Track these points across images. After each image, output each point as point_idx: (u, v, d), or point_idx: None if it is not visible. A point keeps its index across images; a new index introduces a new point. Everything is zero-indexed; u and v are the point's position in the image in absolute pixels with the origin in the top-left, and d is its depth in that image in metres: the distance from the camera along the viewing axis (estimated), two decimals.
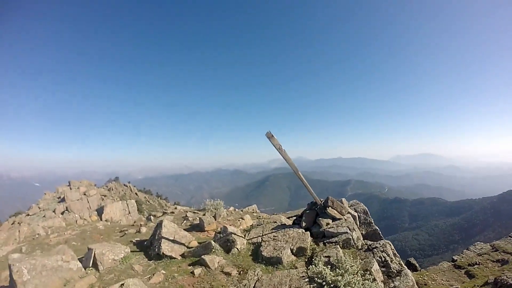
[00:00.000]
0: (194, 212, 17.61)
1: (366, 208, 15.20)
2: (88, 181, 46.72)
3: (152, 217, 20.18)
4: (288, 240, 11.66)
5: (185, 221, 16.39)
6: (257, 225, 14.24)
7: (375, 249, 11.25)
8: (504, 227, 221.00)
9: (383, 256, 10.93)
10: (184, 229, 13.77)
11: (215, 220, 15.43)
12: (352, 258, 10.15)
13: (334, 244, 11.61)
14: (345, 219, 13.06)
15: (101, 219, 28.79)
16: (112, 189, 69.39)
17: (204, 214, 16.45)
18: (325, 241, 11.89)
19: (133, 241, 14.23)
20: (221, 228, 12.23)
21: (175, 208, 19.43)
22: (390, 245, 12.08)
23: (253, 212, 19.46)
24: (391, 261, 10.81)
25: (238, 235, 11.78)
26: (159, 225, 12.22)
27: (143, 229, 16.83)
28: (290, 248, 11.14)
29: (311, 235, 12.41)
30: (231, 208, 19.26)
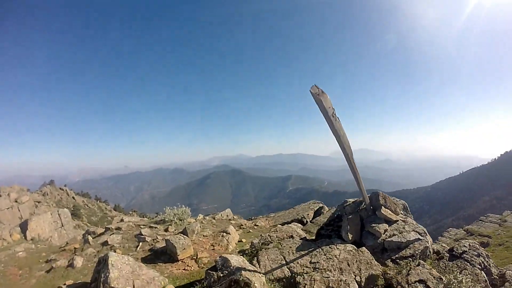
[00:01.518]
0: (150, 227, 11.46)
1: (405, 203, 11.07)
2: (19, 186, 38.91)
3: (90, 237, 12.65)
4: (342, 266, 6.99)
5: (141, 243, 10.09)
6: (262, 243, 8.66)
7: (465, 255, 8.19)
8: (439, 214, 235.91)
9: (482, 262, 7.98)
10: (144, 262, 8.52)
11: (188, 237, 9.87)
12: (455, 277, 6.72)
13: (410, 259, 7.54)
14: (403, 220, 8.84)
15: (25, 237, 21.86)
16: (47, 194, 61.19)
17: (167, 229, 11.11)
18: (392, 257, 7.65)
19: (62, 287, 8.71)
20: (216, 261, 6.76)
21: (121, 220, 13.20)
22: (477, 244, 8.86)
23: (230, 219, 14.74)
24: (490, 265, 8.10)
25: (250, 271, 6.38)
26: (103, 264, 6.79)
27: (78, 261, 10.04)
28: (355, 281, 6.62)
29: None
30: (200, 216, 14.11)
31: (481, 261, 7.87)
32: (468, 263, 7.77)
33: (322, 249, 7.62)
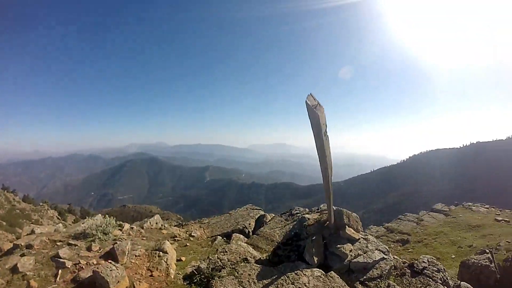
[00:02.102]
0: (69, 244, 9.17)
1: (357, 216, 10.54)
2: None
3: None
4: None
5: (60, 270, 6.92)
6: (213, 269, 7.38)
7: (426, 271, 7.98)
8: (350, 207, 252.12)
9: (442, 277, 7.83)
10: None
11: (119, 262, 7.89)
12: None
13: (378, 280, 7.00)
14: (364, 238, 8.21)
15: None
16: None
17: (90, 247, 9.07)
18: (360, 279, 7.00)
19: None
20: None
21: (32, 232, 10.69)
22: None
23: (161, 228, 13.12)
24: (447, 279, 8.05)
25: None
26: None
27: None
28: None
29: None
30: (127, 226, 12.14)
31: (441, 276, 7.71)
32: (430, 279, 7.58)
33: (287, 277, 6.67)
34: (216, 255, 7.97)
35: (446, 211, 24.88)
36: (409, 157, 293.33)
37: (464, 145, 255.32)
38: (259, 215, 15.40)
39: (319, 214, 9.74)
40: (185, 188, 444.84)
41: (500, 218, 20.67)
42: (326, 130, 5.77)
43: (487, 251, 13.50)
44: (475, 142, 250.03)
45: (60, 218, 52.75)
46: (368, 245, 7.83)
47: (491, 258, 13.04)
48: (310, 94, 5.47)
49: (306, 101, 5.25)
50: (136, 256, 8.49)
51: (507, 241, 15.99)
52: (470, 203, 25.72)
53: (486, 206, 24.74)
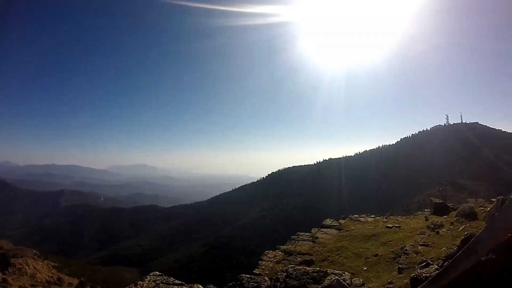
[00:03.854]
0: None
1: None
2: None
3: None
4: None
5: None
6: None
7: None
8: (216, 225, 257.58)
9: None
10: None
11: None
12: None
13: None
14: None
15: None
16: None
17: None
18: None
19: None
20: None
21: None
22: None
23: None
24: None
25: None
26: None
27: None
28: None
29: None
30: None
31: None
32: None
33: None
34: None
35: (336, 225, 24.82)
36: (268, 174, 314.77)
37: (318, 161, 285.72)
38: None
39: None
40: (39, 216, 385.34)
41: (390, 225, 21.30)
42: None
43: (431, 262, 13.03)
44: (327, 159, 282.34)
45: None
46: None
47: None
48: None
49: None
50: None
51: (411, 245, 16.05)
52: (356, 215, 26.33)
53: (372, 215, 25.66)
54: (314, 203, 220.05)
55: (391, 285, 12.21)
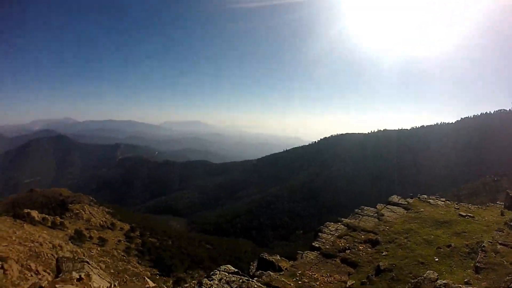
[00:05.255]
0: None
1: None
2: None
3: None
4: None
5: None
6: None
7: None
8: (264, 184, 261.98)
9: None
10: None
11: None
12: None
13: None
14: None
15: None
16: None
17: None
18: None
19: None
20: None
21: None
22: None
23: None
24: None
25: None
26: None
27: None
28: None
29: None
30: None
31: None
32: None
33: None
34: None
35: (404, 204, 23.69)
36: (321, 139, 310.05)
37: (372, 131, 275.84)
38: None
39: None
40: (95, 167, 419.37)
41: (463, 213, 19.94)
42: None
43: None
44: (382, 130, 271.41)
45: None
46: None
47: None
48: None
49: None
50: None
51: (489, 242, 14.84)
52: (425, 196, 25.02)
53: (442, 199, 24.34)
54: (364, 173, 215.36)
55: (469, 287, 11.18)
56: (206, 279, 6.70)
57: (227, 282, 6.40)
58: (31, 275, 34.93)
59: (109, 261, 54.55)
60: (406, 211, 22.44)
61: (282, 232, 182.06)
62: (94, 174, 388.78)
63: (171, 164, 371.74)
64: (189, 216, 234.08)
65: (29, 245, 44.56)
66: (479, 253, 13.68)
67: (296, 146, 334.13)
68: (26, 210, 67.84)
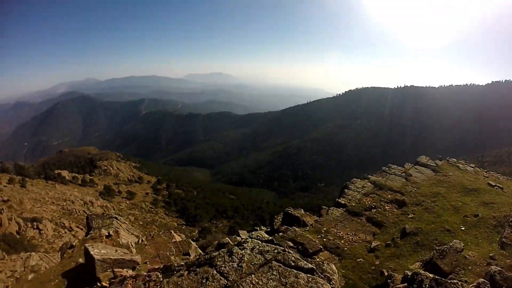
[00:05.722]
0: None
1: None
2: None
3: None
4: None
5: None
6: None
7: None
8: (287, 135, 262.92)
9: None
10: None
11: None
12: None
13: None
14: None
15: None
16: None
17: None
18: None
19: None
20: None
21: None
22: None
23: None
24: None
25: None
26: None
27: None
28: None
29: None
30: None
31: None
32: None
33: None
34: None
35: (433, 166, 23.22)
36: (345, 91, 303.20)
37: (398, 86, 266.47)
38: None
39: None
40: (121, 124, 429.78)
41: (493, 183, 19.35)
42: None
43: None
44: (409, 86, 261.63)
45: None
46: None
47: None
48: None
49: None
50: None
51: None
52: (454, 159, 24.39)
53: (472, 164, 23.67)
54: (388, 129, 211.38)
55: (493, 262, 11.12)
56: (237, 247, 6.16)
57: (261, 252, 5.91)
58: (65, 232, 37.56)
59: (137, 213, 57.23)
60: (434, 173, 22.04)
61: (303, 184, 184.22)
62: (120, 130, 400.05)
63: (195, 116, 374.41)
64: (214, 167, 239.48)
65: (62, 204, 47.31)
66: (506, 228, 13.32)
67: (319, 98, 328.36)
68: (57, 171, 71.27)
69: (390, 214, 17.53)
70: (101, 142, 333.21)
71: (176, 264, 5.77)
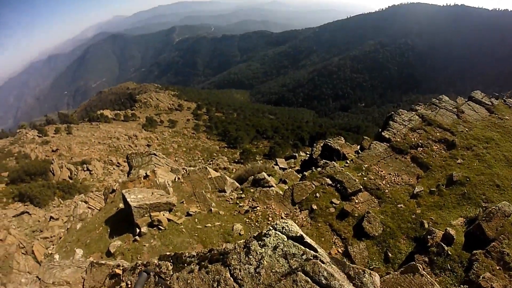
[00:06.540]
0: None
1: None
2: None
3: None
4: None
5: None
6: None
7: None
8: (326, 52, 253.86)
9: None
10: None
11: None
12: None
13: None
14: None
15: None
16: None
17: None
18: None
19: None
20: None
21: None
22: None
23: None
24: None
25: None
26: None
27: None
28: None
29: None
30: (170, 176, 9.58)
31: None
32: None
33: None
34: None
35: (488, 104, 20.86)
36: (389, 6, 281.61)
37: (447, 4, 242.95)
38: None
39: None
40: (155, 55, 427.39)
41: None
42: None
43: None
44: (459, 4, 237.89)
45: (41, 135, 49.03)
46: None
47: None
48: None
49: None
50: None
51: None
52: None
53: None
54: (436, 52, 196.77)
55: None
56: (256, 241, 4.78)
57: (285, 255, 4.43)
58: (113, 168, 40.33)
59: (180, 140, 59.44)
60: (489, 114, 19.97)
61: (343, 103, 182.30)
62: (155, 62, 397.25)
63: (230, 37, 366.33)
64: (252, 87, 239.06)
65: (108, 142, 50.05)
66: None
67: (360, 13, 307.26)
68: (99, 112, 74.17)
69: (437, 155, 16.05)
70: (138, 76, 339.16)
71: (187, 254, 5.23)
